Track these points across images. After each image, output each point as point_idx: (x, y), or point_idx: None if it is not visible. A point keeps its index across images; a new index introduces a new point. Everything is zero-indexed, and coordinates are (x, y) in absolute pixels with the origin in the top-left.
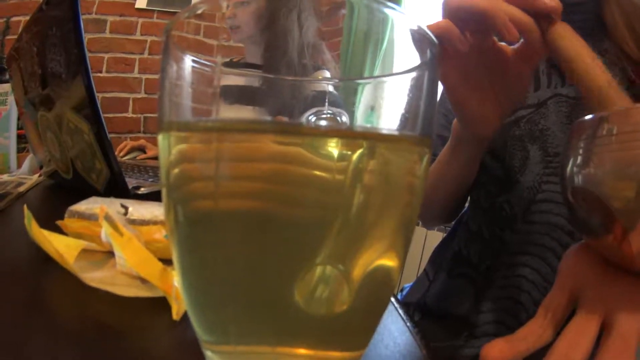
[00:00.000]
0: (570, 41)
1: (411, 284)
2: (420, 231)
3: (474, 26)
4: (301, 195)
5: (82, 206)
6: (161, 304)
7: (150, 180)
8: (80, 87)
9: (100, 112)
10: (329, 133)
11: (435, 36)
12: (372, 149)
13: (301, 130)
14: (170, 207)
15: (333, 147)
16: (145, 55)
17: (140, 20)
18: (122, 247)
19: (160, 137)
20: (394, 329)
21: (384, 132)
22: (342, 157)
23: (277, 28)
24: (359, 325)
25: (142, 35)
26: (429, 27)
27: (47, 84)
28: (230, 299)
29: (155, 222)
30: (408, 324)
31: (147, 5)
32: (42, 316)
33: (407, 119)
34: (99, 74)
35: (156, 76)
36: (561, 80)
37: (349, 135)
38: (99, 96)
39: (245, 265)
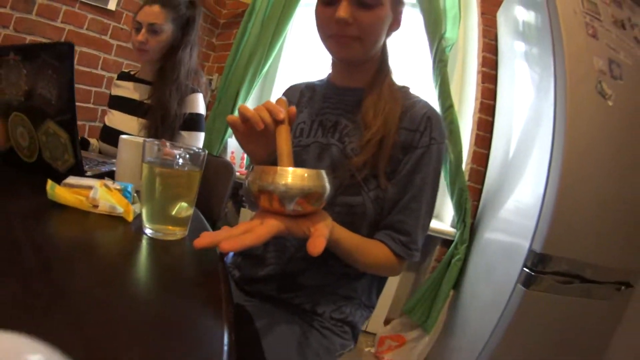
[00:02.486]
0: (282, 133)
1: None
2: None
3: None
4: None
5: (72, 180)
6: (121, 218)
7: (89, 166)
8: (66, 114)
9: (76, 127)
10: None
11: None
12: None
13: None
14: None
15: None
16: None
17: (64, 8)
18: (107, 194)
19: None
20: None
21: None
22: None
23: (175, 57)
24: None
25: (62, 23)
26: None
27: (33, 99)
28: (153, 206)
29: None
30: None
31: None
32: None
33: None
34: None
35: None
36: (321, 132)
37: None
38: None
39: (160, 195)
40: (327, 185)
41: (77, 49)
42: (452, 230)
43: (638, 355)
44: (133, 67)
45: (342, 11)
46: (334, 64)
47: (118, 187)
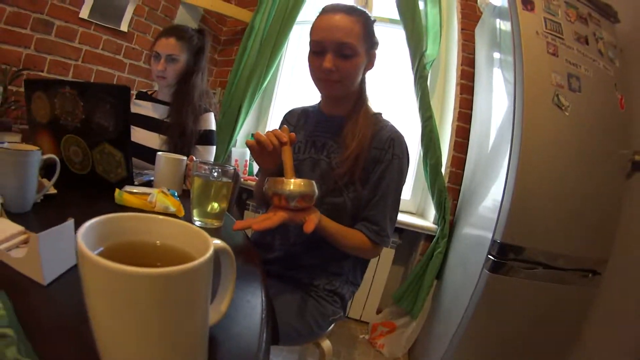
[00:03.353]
0: (286, 152)
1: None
2: None
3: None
4: None
5: (133, 189)
6: (173, 215)
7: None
8: (122, 139)
9: (130, 148)
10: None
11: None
12: None
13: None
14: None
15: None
16: (80, 62)
17: (81, 30)
18: (164, 198)
19: None
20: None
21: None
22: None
23: (190, 82)
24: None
25: (79, 43)
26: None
27: (90, 125)
28: (200, 206)
29: (145, 193)
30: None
31: (89, 16)
32: None
33: None
34: (40, 73)
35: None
36: (314, 150)
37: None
38: None
39: (205, 198)
40: (317, 190)
41: (94, 67)
42: (434, 226)
43: (610, 337)
44: (145, 85)
45: (327, 62)
46: (322, 97)
47: (169, 193)
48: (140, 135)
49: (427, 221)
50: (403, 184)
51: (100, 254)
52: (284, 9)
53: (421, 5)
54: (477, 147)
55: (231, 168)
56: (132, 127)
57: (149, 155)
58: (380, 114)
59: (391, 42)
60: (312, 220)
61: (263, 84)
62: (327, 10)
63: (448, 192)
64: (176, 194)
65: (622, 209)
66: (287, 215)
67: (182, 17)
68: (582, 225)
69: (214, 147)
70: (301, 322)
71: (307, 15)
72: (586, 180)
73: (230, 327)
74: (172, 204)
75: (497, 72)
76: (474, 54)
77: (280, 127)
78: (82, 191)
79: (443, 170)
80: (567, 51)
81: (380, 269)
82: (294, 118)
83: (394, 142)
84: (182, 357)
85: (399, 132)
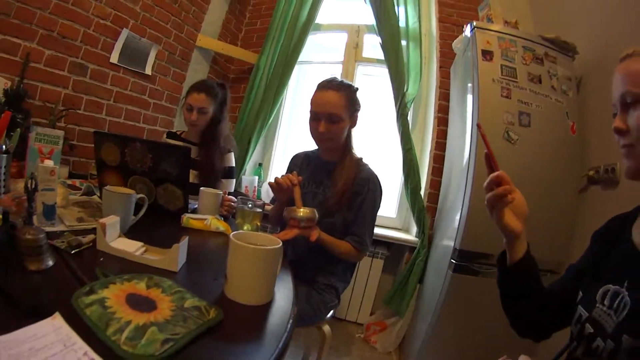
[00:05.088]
0: (296, 190)
1: None
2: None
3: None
4: None
5: (193, 215)
6: (222, 234)
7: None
8: (182, 181)
9: (187, 187)
10: None
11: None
12: None
13: None
14: None
15: None
16: (111, 102)
17: (111, 73)
18: (217, 221)
19: None
20: None
21: None
22: None
23: (216, 128)
24: None
25: (110, 85)
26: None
27: (156, 171)
28: (242, 226)
29: (203, 218)
30: None
31: (118, 61)
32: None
33: None
34: (78, 110)
35: (118, 119)
36: (314, 186)
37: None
38: (76, 129)
39: (245, 221)
40: (317, 215)
41: (123, 106)
42: (416, 239)
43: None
44: (166, 121)
45: (321, 127)
46: (319, 148)
47: (220, 218)
48: None
49: (411, 235)
50: (377, 209)
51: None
52: (286, 51)
53: (404, 43)
54: (448, 172)
55: (261, 202)
56: None
57: None
58: (361, 159)
59: (379, 79)
60: (315, 234)
61: (269, 119)
62: (321, 87)
63: (427, 210)
64: (222, 219)
65: (578, 216)
66: (299, 231)
67: (196, 59)
68: (538, 233)
69: (234, 179)
70: (308, 307)
71: (307, 55)
72: (540, 198)
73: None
74: (223, 226)
75: (463, 109)
76: (449, 89)
77: (288, 169)
78: (148, 216)
79: (422, 192)
80: (520, 92)
81: (372, 277)
82: (299, 160)
83: (369, 181)
84: (267, 288)
85: (374, 173)
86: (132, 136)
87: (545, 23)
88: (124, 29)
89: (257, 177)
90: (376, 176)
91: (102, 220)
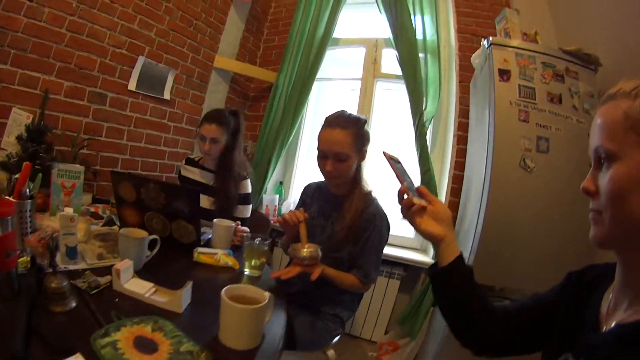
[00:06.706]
0: (302, 227)
1: None
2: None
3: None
4: None
5: (204, 249)
6: (230, 268)
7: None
8: (193, 218)
9: (199, 223)
10: None
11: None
12: None
13: None
14: None
15: None
16: (132, 128)
17: (130, 100)
18: (225, 257)
19: None
20: None
21: None
22: None
23: (229, 156)
24: None
25: (130, 112)
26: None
27: (170, 208)
28: (249, 261)
29: (213, 253)
30: None
31: (136, 88)
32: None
33: None
34: (100, 138)
35: (139, 144)
36: (323, 219)
37: None
38: (98, 155)
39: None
40: (320, 253)
41: (144, 131)
42: (432, 262)
43: None
44: (187, 143)
45: (329, 166)
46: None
47: (227, 253)
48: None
49: (428, 256)
50: (384, 244)
51: (229, 299)
52: (305, 67)
53: (422, 57)
54: (465, 195)
55: (268, 240)
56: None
57: (202, 213)
58: (370, 192)
59: (400, 93)
60: (316, 272)
61: (290, 137)
62: (328, 124)
63: None
64: (232, 253)
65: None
66: (301, 269)
67: (215, 80)
68: (554, 259)
69: (251, 205)
70: (312, 334)
71: (327, 72)
72: (556, 225)
73: (269, 329)
74: (231, 261)
75: (483, 129)
76: (469, 105)
77: (300, 199)
78: (164, 248)
79: None
80: (539, 114)
81: (388, 297)
82: (310, 191)
83: (376, 217)
84: (255, 336)
85: (381, 208)
86: (146, 176)
87: (566, 31)
88: (140, 56)
89: (277, 196)
90: (383, 212)
91: (116, 266)
